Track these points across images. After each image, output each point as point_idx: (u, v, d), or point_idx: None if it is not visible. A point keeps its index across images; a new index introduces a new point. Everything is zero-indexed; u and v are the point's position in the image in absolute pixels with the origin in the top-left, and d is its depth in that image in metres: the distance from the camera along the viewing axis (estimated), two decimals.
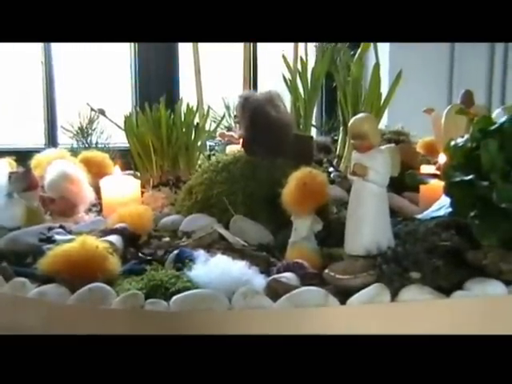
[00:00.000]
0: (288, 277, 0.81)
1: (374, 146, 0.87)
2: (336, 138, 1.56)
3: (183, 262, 0.86)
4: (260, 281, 0.79)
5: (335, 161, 1.41)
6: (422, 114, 1.40)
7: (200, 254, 0.85)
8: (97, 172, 1.35)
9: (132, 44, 1.90)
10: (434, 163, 1.19)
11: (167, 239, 1.05)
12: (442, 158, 1.18)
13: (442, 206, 0.99)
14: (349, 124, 0.89)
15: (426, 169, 1.22)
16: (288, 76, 1.46)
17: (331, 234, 1.00)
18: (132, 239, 1.02)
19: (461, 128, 1.27)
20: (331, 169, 1.36)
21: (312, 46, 1.63)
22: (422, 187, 1.16)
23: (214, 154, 1.49)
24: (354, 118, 0.89)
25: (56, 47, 1.82)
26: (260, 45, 1.92)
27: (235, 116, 1.24)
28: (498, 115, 1.33)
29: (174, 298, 0.75)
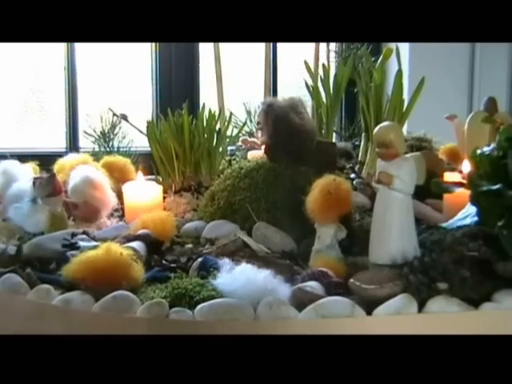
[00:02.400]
0: (313, 286, 0.80)
1: (400, 155, 0.86)
2: (357, 143, 1.54)
3: (208, 269, 0.86)
4: (285, 290, 0.78)
5: (357, 167, 1.39)
6: (442, 120, 1.38)
7: (225, 262, 0.83)
8: (119, 177, 1.35)
9: (153, 50, 1.90)
10: (460, 172, 1.17)
11: (190, 246, 1.04)
12: (466, 166, 1.17)
13: (467, 214, 0.97)
14: (374, 132, 0.88)
15: (449, 176, 1.20)
16: (310, 82, 1.45)
17: (354, 241, 0.99)
18: (155, 245, 1.01)
19: (484, 135, 1.26)
20: (353, 175, 1.34)
21: (333, 53, 1.63)
22: (446, 195, 1.14)
23: (234, 159, 1.49)
24: (379, 126, 0.88)
25: (79, 52, 1.83)
26: (281, 50, 1.91)
27: (258, 122, 1.23)
28: None
29: (199, 307, 0.74)
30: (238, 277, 0.78)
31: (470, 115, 1.31)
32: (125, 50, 1.90)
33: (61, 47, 1.81)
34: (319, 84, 1.44)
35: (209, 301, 0.75)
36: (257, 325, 0.72)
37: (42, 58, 1.85)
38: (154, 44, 1.89)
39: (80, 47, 1.82)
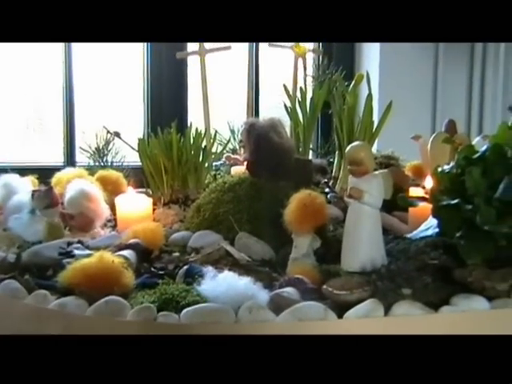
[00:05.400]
0: (289, 291, 0.81)
1: (369, 172, 0.87)
2: (331, 160, 1.56)
3: (193, 276, 0.86)
4: (264, 295, 0.78)
5: (331, 182, 1.40)
6: (408, 140, 1.40)
7: (208, 269, 0.84)
8: (112, 190, 1.35)
9: (145, 72, 1.91)
10: (423, 187, 1.19)
11: (177, 254, 1.04)
12: (429, 182, 1.18)
13: (429, 226, 0.99)
14: (346, 151, 0.89)
15: (414, 191, 1.22)
16: (289, 104, 1.47)
17: (328, 250, 1.00)
18: (145, 254, 1.01)
19: (445, 154, 1.27)
20: (327, 190, 1.35)
21: (310, 77, 1.65)
22: (410, 208, 1.16)
23: (219, 174, 1.49)
24: (351, 145, 0.89)
25: (76, 73, 1.83)
26: (263, 74, 1.93)
27: (240, 140, 1.24)
28: (478, 143, 1.35)
29: (185, 311, 0.74)
30: (220, 283, 0.78)
31: (433, 136, 1.33)
32: (118, 72, 1.92)
33: (60, 68, 1.81)
34: (297, 106, 1.45)
35: (194, 305, 0.75)
36: (238, 327, 0.73)
37: (43, 77, 1.86)
38: (145, 66, 1.91)
39: (78, 68, 1.83)
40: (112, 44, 1.79)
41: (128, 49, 1.91)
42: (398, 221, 1.20)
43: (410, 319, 0.73)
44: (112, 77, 1.92)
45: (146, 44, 1.89)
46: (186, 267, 0.90)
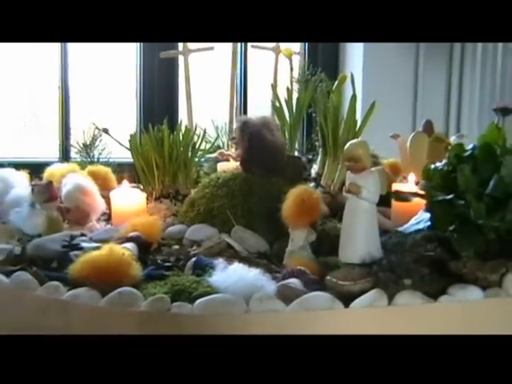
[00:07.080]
0: (294, 282, 0.82)
1: (366, 168, 0.89)
2: (310, 157, 1.57)
3: (202, 268, 0.86)
4: (271, 286, 0.79)
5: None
6: (387, 138, 1.43)
7: (218, 261, 0.84)
8: (101, 184, 1.33)
9: (138, 70, 1.91)
10: (416, 183, 1.21)
11: (177, 247, 1.04)
12: (412, 178, 1.22)
13: (420, 220, 1.01)
14: (344, 148, 0.90)
15: (401, 187, 1.24)
16: (277, 103, 1.48)
17: (320, 243, 1.01)
18: (145, 246, 1.01)
19: (423, 152, 1.32)
20: (312, 184, 1.37)
21: (295, 78, 1.66)
22: (394, 203, 1.18)
23: (201, 170, 1.49)
24: (350, 143, 0.90)
25: (72, 72, 1.81)
26: (252, 73, 1.94)
27: (233, 138, 1.24)
28: (454, 141, 1.39)
29: (197, 301, 0.74)
30: (231, 275, 0.79)
31: (412, 135, 1.37)
32: (111, 70, 1.90)
33: (54, 64, 1.79)
34: (283, 105, 1.46)
35: (205, 296, 0.75)
36: (250, 317, 0.73)
37: (40, 78, 1.84)
38: (138, 64, 1.90)
39: (71, 65, 1.81)
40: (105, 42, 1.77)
41: (121, 47, 1.89)
42: (382, 216, 1.22)
43: (411, 308, 0.76)
44: (105, 74, 1.91)
45: (138, 42, 1.88)
46: (193, 259, 0.91)
